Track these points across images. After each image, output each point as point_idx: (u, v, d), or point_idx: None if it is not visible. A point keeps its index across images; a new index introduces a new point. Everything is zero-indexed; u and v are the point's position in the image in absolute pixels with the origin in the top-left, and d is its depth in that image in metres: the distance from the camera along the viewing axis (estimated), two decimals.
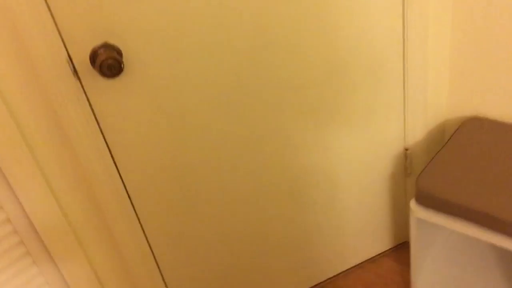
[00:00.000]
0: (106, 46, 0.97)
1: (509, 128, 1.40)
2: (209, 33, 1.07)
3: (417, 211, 1.30)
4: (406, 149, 1.51)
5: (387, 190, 1.58)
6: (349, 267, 1.68)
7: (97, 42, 0.97)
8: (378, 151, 1.48)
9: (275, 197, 1.38)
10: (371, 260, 1.70)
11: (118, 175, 1.12)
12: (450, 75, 1.46)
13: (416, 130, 1.48)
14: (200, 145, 1.20)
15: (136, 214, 1.20)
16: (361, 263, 1.70)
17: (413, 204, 1.32)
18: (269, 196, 1.37)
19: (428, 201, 1.27)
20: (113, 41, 0.98)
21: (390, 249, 1.73)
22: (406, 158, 1.54)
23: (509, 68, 1.34)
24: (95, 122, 1.04)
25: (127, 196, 1.16)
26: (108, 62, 0.95)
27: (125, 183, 1.15)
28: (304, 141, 1.33)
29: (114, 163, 1.11)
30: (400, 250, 1.72)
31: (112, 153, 1.10)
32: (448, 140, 1.39)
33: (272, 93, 1.22)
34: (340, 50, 1.24)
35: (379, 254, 1.72)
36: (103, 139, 1.07)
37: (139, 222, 1.22)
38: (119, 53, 0.99)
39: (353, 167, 1.46)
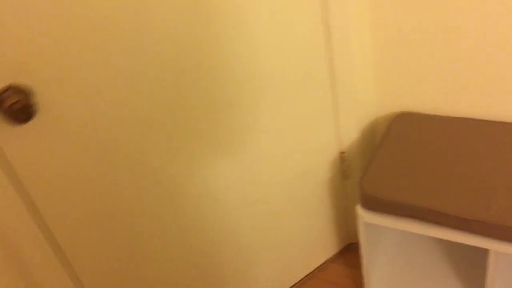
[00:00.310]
0: (13, 88, 0.84)
1: (437, 120, 1.42)
2: (125, 66, 0.97)
3: (364, 216, 1.29)
4: (342, 153, 1.50)
5: (327, 195, 1.55)
6: (299, 279, 1.64)
7: (2, 83, 0.84)
8: (314, 158, 1.45)
9: (203, 226, 1.30)
10: (320, 268, 1.67)
11: (41, 230, 0.99)
12: (375, 73, 1.47)
13: (350, 132, 1.47)
14: (129, 182, 1.09)
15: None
16: (311, 273, 1.66)
17: (359, 209, 1.30)
18: (196, 225, 1.29)
19: (374, 204, 1.25)
20: (22, 81, 0.85)
21: (337, 253, 1.72)
22: (343, 162, 1.52)
23: (431, 61, 1.37)
24: (10, 174, 0.90)
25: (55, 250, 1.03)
26: (16, 106, 0.83)
27: (55, 236, 1.02)
28: (231, 163, 1.27)
29: (40, 215, 0.98)
30: (347, 253, 1.71)
31: (37, 205, 0.97)
32: (382, 139, 1.40)
33: (199, 111, 1.14)
34: (263, 61, 1.19)
35: (327, 260, 1.69)
36: (21, 193, 0.93)
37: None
38: (30, 94, 0.86)
39: (287, 178, 1.42)
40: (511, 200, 1.12)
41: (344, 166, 1.53)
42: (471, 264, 1.48)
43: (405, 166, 1.29)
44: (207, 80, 1.10)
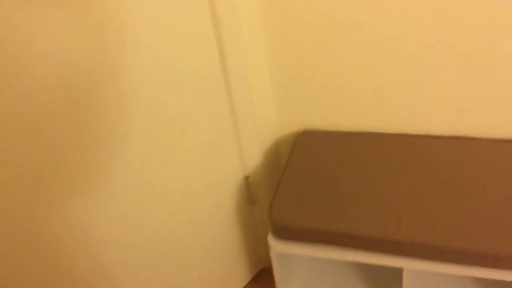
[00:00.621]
0: None
1: (339, 137, 1.40)
2: None
3: (276, 246, 1.21)
4: (247, 177, 1.42)
5: (234, 223, 1.47)
6: None
7: None
8: (217, 186, 1.35)
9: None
10: None
11: None
12: (274, 93, 1.41)
13: (253, 156, 1.40)
14: None
15: None
16: None
17: (270, 239, 1.22)
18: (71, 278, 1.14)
19: (285, 233, 1.19)
20: None
21: (250, 280, 1.64)
22: (248, 187, 1.45)
23: (328, 79, 1.34)
24: None
25: None
26: None
27: None
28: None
29: None
30: (261, 279, 1.64)
31: None
32: (287, 161, 1.34)
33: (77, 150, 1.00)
34: (155, 92, 1.08)
35: None
36: None
37: None
38: None
39: (190, 212, 1.30)
40: (420, 215, 1.11)
41: (250, 191, 1.46)
42: (387, 285, 1.47)
43: (312, 188, 1.24)
44: (87, 115, 0.96)
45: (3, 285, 0.97)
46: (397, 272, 1.47)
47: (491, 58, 1.19)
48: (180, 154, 1.20)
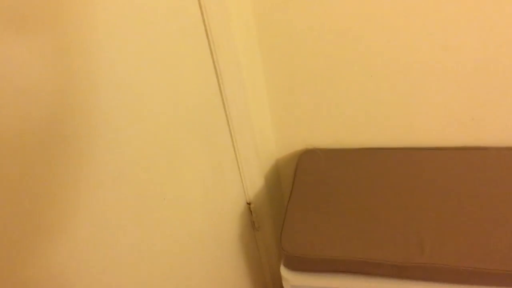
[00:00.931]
0: None
1: (343, 154, 1.33)
2: None
3: (290, 279, 1.13)
4: (249, 203, 1.34)
5: (238, 252, 1.38)
6: None
7: None
8: (221, 217, 1.26)
9: None
10: None
11: None
12: (272, 116, 1.33)
13: (255, 181, 1.32)
14: None
15: None
16: None
17: (283, 270, 1.14)
18: None
19: (299, 264, 1.11)
20: None
21: None
22: (251, 213, 1.36)
23: (325, 97, 1.27)
24: None
25: None
26: None
27: None
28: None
29: None
30: None
31: None
32: (292, 185, 1.26)
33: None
34: (159, 127, 0.99)
35: None
36: None
37: None
38: None
39: (192, 244, 1.21)
40: (442, 235, 1.05)
41: (253, 217, 1.37)
42: None
43: (324, 212, 1.16)
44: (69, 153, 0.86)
45: None
46: None
47: (485, 71, 1.14)
48: (180, 188, 1.10)
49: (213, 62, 1.07)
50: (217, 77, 1.09)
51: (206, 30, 1.02)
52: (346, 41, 1.16)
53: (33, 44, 0.73)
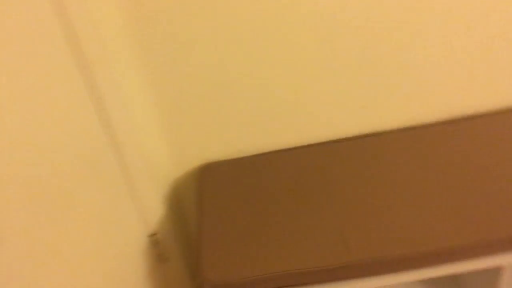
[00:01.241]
0: None
1: (242, 163, 1.26)
2: None
3: None
4: (154, 234, 1.20)
5: None
6: None
7: None
8: (121, 255, 1.11)
9: None
10: None
11: None
12: (163, 135, 1.21)
13: (155, 210, 1.18)
14: None
15: None
16: None
17: None
18: None
19: None
20: None
21: None
22: (156, 245, 1.22)
23: (217, 106, 1.19)
24: None
25: None
26: None
27: None
28: None
29: None
30: None
31: None
32: (200, 205, 1.15)
33: None
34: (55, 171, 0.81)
35: None
36: None
37: None
38: None
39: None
40: (363, 231, 1.02)
41: (158, 250, 1.23)
42: None
43: (241, 230, 1.07)
44: None
45: None
46: None
47: (367, 63, 1.17)
48: (69, 230, 0.93)
49: (89, 89, 0.92)
50: (94, 104, 0.94)
51: (74, 45, 0.87)
52: (232, 50, 1.11)
53: None
